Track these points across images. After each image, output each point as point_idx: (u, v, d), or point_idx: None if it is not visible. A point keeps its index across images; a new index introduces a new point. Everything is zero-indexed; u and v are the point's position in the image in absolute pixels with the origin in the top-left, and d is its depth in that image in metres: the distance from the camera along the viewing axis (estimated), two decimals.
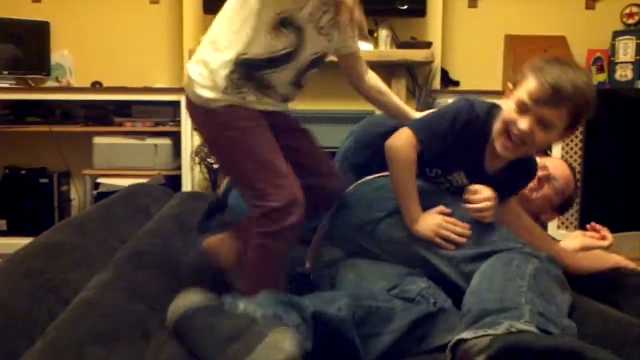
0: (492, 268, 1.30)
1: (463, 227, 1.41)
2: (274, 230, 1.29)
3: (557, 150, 3.50)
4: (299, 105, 3.68)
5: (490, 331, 1.10)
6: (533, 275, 1.25)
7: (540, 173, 1.74)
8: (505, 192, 1.52)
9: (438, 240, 1.40)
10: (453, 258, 1.37)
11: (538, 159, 1.65)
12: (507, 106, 1.43)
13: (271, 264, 1.34)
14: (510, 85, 1.48)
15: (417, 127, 1.45)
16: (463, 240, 1.39)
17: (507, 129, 1.42)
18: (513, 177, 1.54)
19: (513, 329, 1.08)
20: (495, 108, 1.48)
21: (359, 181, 1.61)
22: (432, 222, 1.42)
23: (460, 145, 1.46)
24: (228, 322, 1.08)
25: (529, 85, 1.40)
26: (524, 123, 1.39)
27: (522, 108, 1.40)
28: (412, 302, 1.28)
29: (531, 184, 1.73)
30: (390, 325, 1.23)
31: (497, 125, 1.45)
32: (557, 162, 1.98)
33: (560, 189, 1.87)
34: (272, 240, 1.31)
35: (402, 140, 1.43)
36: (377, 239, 1.46)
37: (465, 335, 1.11)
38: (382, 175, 1.54)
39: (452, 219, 1.42)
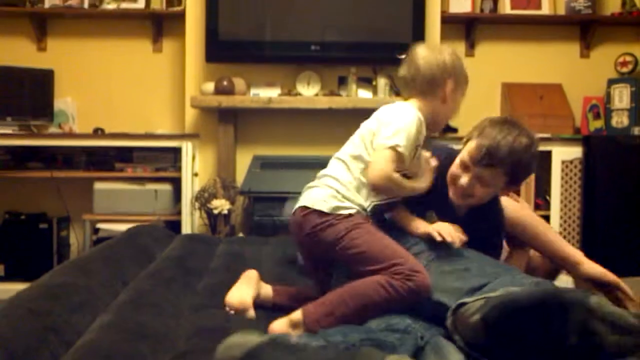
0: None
1: (458, 231, 1.53)
2: (401, 278, 1.44)
3: (556, 197, 3.52)
4: (294, 152, 3.74)
5: (486, 295, 1.23)
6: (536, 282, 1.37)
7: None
8: (477, 235, 1.61)
9: (436, 233, 1.51)
10: (460, 289, 1.40)
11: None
12: (455, 161, 1.62)
13: (374, 304, 1.45)
14: (464, 139, 1.64)
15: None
16: (458, 240, 1.50)
17: (453, 182, 1.61)
18: (481, 220, 1.66)
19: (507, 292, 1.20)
20: (454, 155, 1.65)
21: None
22: (429, 224, 1.58)
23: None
24: (315, 354, 1.10)
25: (470, 146, 1.58)
26: (463, 180, 1.58)
27: (463, 166, 1.58)
28: (404, 334, 1.33)
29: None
30: None
31: (448, 174, 1.63)
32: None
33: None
34: (393, 286, 1.44)
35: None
36: None
37: (464, 299, 1.25)
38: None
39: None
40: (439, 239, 1.51)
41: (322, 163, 3.79)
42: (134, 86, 3.91)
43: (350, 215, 1.58)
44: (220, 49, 3.57)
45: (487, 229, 1.68)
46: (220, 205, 3.35)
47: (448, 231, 1.52)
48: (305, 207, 1.63)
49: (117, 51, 3.91)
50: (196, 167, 3.68)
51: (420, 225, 1.59)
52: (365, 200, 1.60)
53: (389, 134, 1.58)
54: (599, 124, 3.78)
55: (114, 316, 1.39)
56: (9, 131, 3.58)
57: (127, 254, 1.95)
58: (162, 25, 3.90)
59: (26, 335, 1.21)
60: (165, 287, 1.67)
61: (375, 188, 1.58)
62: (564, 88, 3.84)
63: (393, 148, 1.55)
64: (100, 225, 3.45)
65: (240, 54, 3.60)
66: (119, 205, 3.47)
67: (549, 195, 3.55)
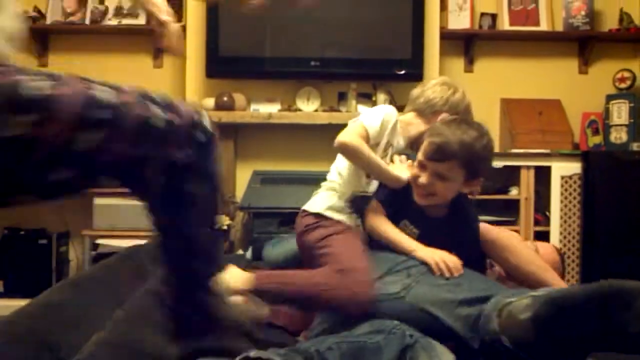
0: None
1: (456, 265, 1.57)
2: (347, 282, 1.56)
3: (555, 213, 3.52)
4: (294, 167, 3.74)
5: (532, 294, 1.27)
6: None
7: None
8: (456, 240, 1.70)
9: (434, 265, 1.56)
10: (453, 301, 1.45)
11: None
12: (415, 164, 1.71)
13: (317, 295, 1.59)
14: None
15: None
16: (456, 273, 1.55)
17: (415, 182, 1.68)
18: (459, 225, 1.74)
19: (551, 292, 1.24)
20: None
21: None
22: (433, 251, 1.61)
23: (396, 197, 1.73)
24: None
25: (424, 145, 1.67)
26: (422, 178, 1.66)
27: (420, 165, 1.67)
28: (390, 334, 1.36)
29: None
30: (382, 357, 1.30)
31: (410, 179, 1.71)
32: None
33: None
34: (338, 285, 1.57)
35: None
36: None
37: (511, 299, 1.28)
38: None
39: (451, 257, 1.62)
40: (437, 272, 1.55)
41: (322, 178, 3.79)
42: None
43: (339, 222, 1.74)
44: (221, 65, 3.59)
45: (465, 234, 1.75)
46: (220, 221, 3.35)
47: (446, 265, 1.56)
48: (304, 210, 1.85)
49: (118, 67, 3.93)
50: None
51: (417, 249, 1.64)
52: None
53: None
54: (597, 139, 3.79)
55: (109, 334, 1.39)
56: None
57: (124, 273, 1.94)
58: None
59: (23, 353, 1.21)
60: (161, 303, 1.66)
61: (342, 151, 1.80)
62: (563, 104, 3.85)
63: (360, 123, 1.81)
64: (100, 241, 3.45)
65: (240, 70, 3.62)
66: (118, 221, 3.46)
67: (549, 211, 3.55)
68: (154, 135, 1.02)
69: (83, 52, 3.92)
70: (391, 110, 1.91)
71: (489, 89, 3.93)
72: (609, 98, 3.77)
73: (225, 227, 3.37)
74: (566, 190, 3.58)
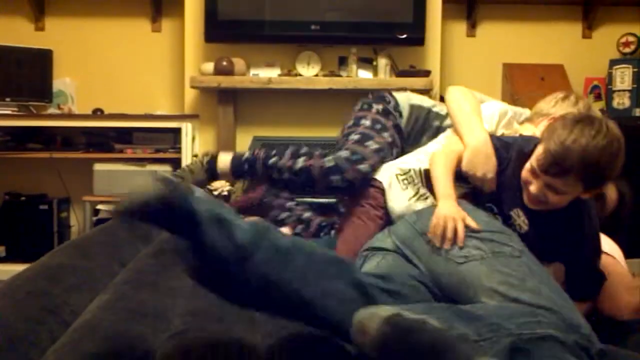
0: None
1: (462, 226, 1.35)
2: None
3: None
4: (294, 133, 3.74)
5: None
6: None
7: None
8: (558, 229, 1.50)
9: (435, 224, 1.36)
10: (499, 292, 1.26)
11: None
12: (526, 165, 1.47)
13: None
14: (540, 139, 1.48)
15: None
16: (459, 243, 1.32)
17: (526, 186, 1.46)
18: (570, 220, 1.51)
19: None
20: (527, 151, 1.50)
21: None
22: (453, 210, 1.39)
23: (515, 179, 1.51)
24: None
25: (538, 151, 1.42)
26: (532, 187, 1.43)
27: (532, 172, 1.44)
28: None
29: None
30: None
31: (522, 178, 1.49)
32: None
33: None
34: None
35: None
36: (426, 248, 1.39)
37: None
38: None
39: (467, 217, 1.38)
40: (431, 233, 1.37)
41: (322, 144, 3.80)
42: (133, 66, 3.89)
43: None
44: (220, 29, 3.55)
45: (562, 233, 1.52)
46: (220, 186, 3.34)
47: (452, 229, 1.35)
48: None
49: (116, 31, 3.88)
50: (196, 148, 3.67)
51: (442, 199, 1.46)
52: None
53: None
54: (600, 105, 3.77)
55: (112, 296, 1.40)
56: (7, 112, 3.56)
57: (126, 236, 1.95)
58: (161, 5, 3.87)
59: (25, 316, 1.22)
60: (162, 267, 1.67)
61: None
62: (566, 69, 3.81)
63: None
64: (100, 207, 3.46)
65: (239, 34, 3.58)
66: (118, 187, 3.46)
67: None
68: None
69: (80, 16, 3.87)
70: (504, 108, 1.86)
71: (491, 53, 3.89)
72: (613, 63, 3.73)
73: (225, 193, 3.37)
74: None
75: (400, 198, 1.72)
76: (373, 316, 1.00)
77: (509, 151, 1.55)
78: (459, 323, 1.06)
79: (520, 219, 1.52)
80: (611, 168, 1.41)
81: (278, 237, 1.16)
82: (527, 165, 1.45)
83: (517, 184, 1.50)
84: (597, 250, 1.55)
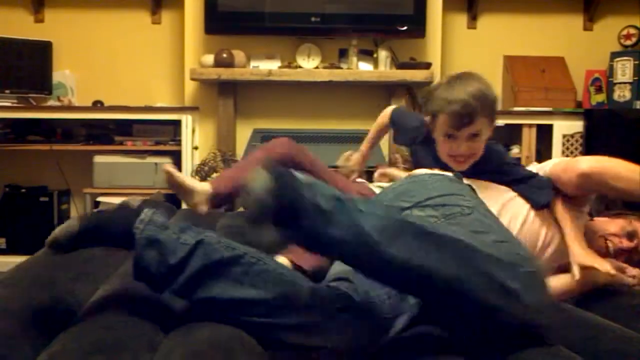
0: None
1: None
2: None
3: None
4: (294, 125, 3.74)
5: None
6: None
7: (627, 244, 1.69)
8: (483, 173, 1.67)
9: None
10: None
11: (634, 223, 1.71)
12: (439, 140, 1.67)
13: None
14: (428, 118, 1.70)
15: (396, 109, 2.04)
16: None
17: (450, 155, 1.65)
18: (489, 163, 1.70)
19: None
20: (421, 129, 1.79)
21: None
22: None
23: (424, 150, 1.76)
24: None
25: (442, 121, 1.62)
26: (461, 148, 1.63)
27: (450, 137, 1.63)
28: None
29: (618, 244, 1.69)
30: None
31: (440, 154, 1.68)
32: None
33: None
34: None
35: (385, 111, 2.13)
36: None
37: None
38: (434, 173, 1.55)
39: None
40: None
41: (322, 136, 3.80)
42: (133, 58, 3.88)
43: None
44: (220, 21, 3.54)
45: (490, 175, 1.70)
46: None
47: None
48: None
49: (116, 23, 3.87)
50: (196, 140, 3.66)
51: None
52: None
53: None
54: (600, 97, 3.76)
55: (115, 286, 1.40)
56: (7, 104, 3.56)
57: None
58: None
59: (30, 304, 1.23)
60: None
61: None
62: (567, 61, 3.81)
63: None
64: (100, 199, 3.46)
65: (239, 26, 3.57)
66: (119, 179, 3.47)
67: None
68: None
69: (80, 8, 3.86)
70: None
71: (491, 45, 3.88)
72: (614, 55, 3.72)
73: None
74: (567, 149, 3.57)
75: None
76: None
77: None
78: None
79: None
80: (493, 94, 1.65)
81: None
82: (440, 139, 1.65)
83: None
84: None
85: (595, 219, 1.76)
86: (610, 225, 1.72)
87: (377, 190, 2.00)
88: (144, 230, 1.20)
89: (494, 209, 1.52)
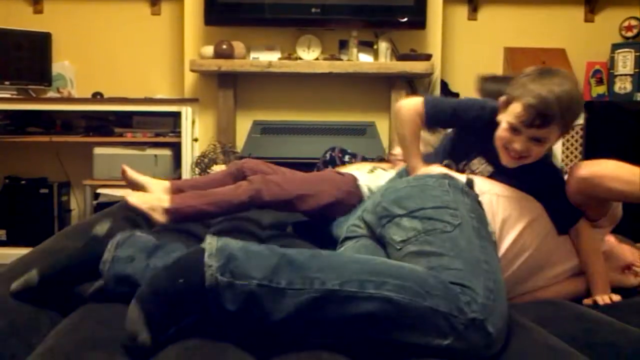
0: None
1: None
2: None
3: (557, 162, 3.49)
4: (294, 117, 3.73)
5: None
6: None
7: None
8: (525, 187, 1.56)
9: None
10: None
11: None
12: (502, 125, 1.51)
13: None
14: (502, 98, 1.53)
15: (427, 99, 1.61)
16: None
17: (505, 146, 1.51)
18: (536, 176, 1.57)
19: None
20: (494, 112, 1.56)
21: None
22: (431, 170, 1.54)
23: (470, 136, 1.60)
24: None
25: (515, 110, 1.47)
26: (518, 144, 1.48)
27: (514, 130, 1.48)
28: None
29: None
30: None
31: (496, 139, 1.52)
32: None
33: None
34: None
35: (410, 106, 1.61)
36: (385, 235, 1.41)
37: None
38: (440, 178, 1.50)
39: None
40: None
41: (322, 128, 3.78)
42: (132, 50, 3.87)
43: None
44: (219, 12, 3.52)
45: (539, 184, 1.59)
46: (220, 170, 3.35)
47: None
48: None
49: (115, 14, 3.86)
50: (196, 132, 3.66)
51: (417, 168, 1.60)
52: None
53: None
54: (601, 89, 3.75)
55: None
56: (7, 95, 3.55)
57: (127, 222, 1.95)
58: None
59: (26, 304, 1.22)
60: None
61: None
62: (568, 53, 3.79)
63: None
64: (100, 191, 3.46)
65: (239, 17, 3.55)
66: (118, 170, 3.43)
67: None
68: None
69: None
70: None
71: (492, 37, 3.87)
72: (615, 47, 3.71)
73: None
74: (568, 140, 3.56)
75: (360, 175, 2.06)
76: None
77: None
78: (283, 271, 1.11)
79: (482, 165, 1.61)
80: (580, 108, 1.52)
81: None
82: (504, 126, 1.50)
83: (476, 138, 1.59)
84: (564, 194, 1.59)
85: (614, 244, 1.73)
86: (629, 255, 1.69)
87: (366, 190, 2.01)
88: (110, 269, 1.22)
89: (520, 224, 1.49)
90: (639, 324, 1.28)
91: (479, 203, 1.43)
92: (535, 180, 1.58)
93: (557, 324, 1.27)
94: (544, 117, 1.43)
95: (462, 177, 1.50)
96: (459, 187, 1.42)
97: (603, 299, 1.50)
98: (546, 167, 1.61)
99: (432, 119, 1.60)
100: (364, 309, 1.09)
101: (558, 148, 3.53)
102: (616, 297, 1.50)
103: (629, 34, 3.74)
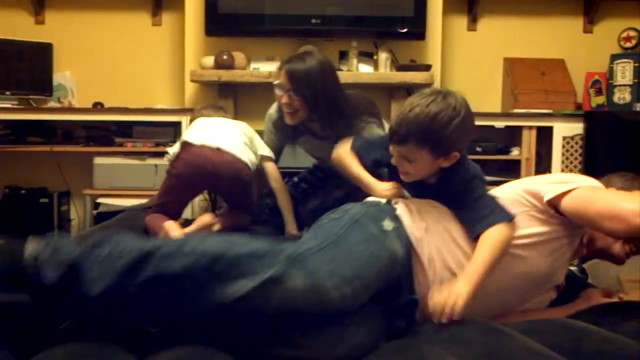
0: None
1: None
2: None
3: (556, 173, 3.51)
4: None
5: None
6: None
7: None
8: (448, 197, 1.54)
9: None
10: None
11: None
12: None
13: None
14: None
15: (355, 141, 1.90)
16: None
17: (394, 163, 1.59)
18: (451, 183, 1.53)
19: None
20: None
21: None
22: (385, 187, 1.69)
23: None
24: None
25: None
26: (393, 159, 1.54)
27: (391, 147, 1.54)
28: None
29: None
30: None
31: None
32: None
33: None
34: None
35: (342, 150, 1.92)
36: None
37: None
38: None
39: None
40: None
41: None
42: (133, 60, 3.89)
43: None
44: (220, 23, 3.54)
45: (456, 191, 1.52)
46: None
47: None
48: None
49: (116, 25, 3.88)
50: None
51: (376, 190, 1.73)
52: None
53: None
54: (600, 99, 3.76)
55: None
56: (7, 105, 3.56)
57: (127, 230, 1.95)
58: None
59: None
60: None
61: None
62: (567, 63, 3.81)
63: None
64: (100, 200, 3.46)
65: (240, 28, 3.57)
66: (119, 180, 3.47)
67: (550, 172, 3.54)
68: None
69: (80, 10, 3.86)
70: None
71: (491, 47, 3.89)
72: (614, 58, 3.73)
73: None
74: (567, 151, 3.57)
75: None
76: None
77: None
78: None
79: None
80: (447, 132, 1.41)
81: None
82: None
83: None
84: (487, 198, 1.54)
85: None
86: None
87: None
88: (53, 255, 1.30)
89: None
90: (625, 332, 1.28)
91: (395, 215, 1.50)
92: (452, 189, 1.53)
93: (543, 334, 1.27)
94: (397, 135, 1.46)
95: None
96: (377, 206, 1.54)
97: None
98: (458, 175, 1.53)
99: (364, 158, 1.84)
100: (179, 263, 1.17)
101: (557, 157, 3.54)
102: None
103: (628, 45, 3.76)
